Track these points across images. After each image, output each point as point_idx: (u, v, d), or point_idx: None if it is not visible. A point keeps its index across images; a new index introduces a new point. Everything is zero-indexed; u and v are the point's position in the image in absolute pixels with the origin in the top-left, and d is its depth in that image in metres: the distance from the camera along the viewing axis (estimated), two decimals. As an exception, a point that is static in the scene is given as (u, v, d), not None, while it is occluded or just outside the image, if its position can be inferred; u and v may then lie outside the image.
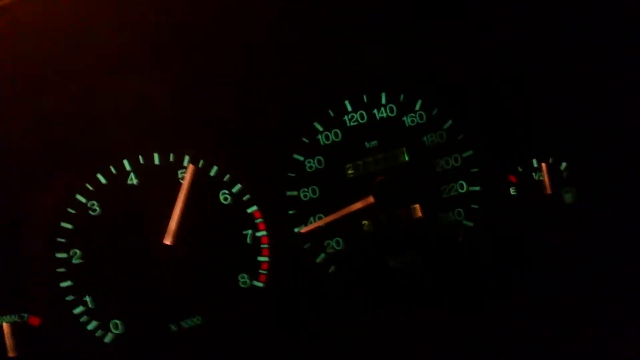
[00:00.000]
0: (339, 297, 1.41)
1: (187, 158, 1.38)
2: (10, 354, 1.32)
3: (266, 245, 1.40)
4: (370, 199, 1.38)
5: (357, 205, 1.38)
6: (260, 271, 1.40)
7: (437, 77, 1.43)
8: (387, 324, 1.36)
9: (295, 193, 1.42)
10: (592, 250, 1.34)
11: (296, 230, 1.41)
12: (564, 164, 1.44)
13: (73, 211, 1.34)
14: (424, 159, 1.43)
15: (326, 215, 1.40)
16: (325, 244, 1.42)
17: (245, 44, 1.27)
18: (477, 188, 1.44)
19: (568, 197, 1.44)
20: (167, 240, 1.33)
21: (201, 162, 1.38)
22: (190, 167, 1.35)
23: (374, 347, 1.32)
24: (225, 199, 1.39)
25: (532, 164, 1.44)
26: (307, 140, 1.42)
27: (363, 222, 1.42)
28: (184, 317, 1.37)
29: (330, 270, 1.42)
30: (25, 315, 1.34)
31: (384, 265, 1.42)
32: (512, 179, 1.44)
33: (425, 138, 1.43)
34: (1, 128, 1.25)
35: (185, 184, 1.34)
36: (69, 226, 1.34)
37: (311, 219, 1.41)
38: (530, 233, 1.42)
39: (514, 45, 1.37)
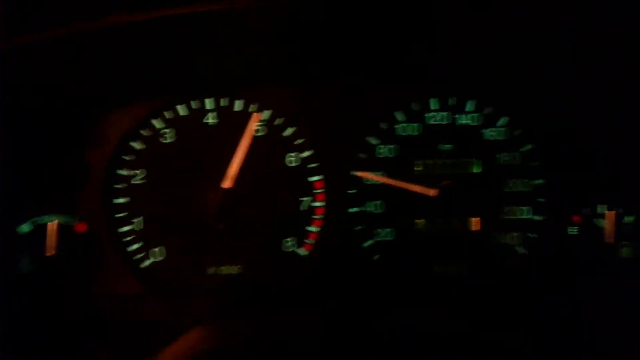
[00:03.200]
0: (375, 285, 1.41)
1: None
2: (48, 252, 1.35)
3: (318, 217, 1.41)
4: (432, 192, 1.38)
5: (418, 189, 1.38)
6: (306, 240, 1.41)
7: (528, 100, 1.42)
8: (414, 321, 1.35)
9: (359, 174, 1.42)
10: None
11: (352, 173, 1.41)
12: (631, 218, 1.41)
13: (147, 134, 1.37)
14: (495, 176, 1.42)
15: (385, 201, 1.41)
16: (377, 231, 1.42)
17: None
18: (539, 218, 1.42)
19: (625, 251, 1.42)
20: (225, 185, 1.34)
21: (280, 119, 1.40)
22: (255, 115, 1.37)
23: (394, 342, 1.31)
24: (293, 161, 1.40)
25: (599, 208, 1.42)
26: (384, 127, 1.43)
27: (418, 221, 1.42)
28: (224, 263, 1.39)
29: (374, 258, 1.42)
30: (75, 219, 1.37)
31: (428, 268, 1.42)
32: (576, 218, 1.42)
33: (500, 155, 1.42)
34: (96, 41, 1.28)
35: (249, 131, 1.36)
36: (139, 147, 1.37)
37: (368, 202, 1.42)
38: (579, 275, 1.40)
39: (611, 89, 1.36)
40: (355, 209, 1.42)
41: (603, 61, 1.33)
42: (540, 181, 1.42)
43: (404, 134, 1.43)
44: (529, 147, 1.43)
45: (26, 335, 1.27)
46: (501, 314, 1.38)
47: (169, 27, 1.28)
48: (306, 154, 1.41)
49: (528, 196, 1.42)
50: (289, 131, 1.41)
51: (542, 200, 1.42)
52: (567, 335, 1.32)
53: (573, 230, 1.42)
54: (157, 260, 1.38)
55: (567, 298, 1.37)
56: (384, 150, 1.42)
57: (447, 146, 1.42)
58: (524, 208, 1.42)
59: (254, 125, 1.37)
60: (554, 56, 1.36)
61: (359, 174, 1.41)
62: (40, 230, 1.35)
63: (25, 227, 1.35)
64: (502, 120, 1.43)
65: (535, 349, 1.28)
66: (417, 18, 1.32)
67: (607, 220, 1.41)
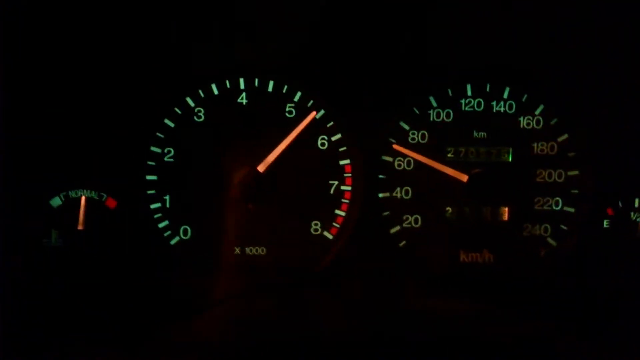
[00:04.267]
0: (400, 272, 1.40)
1: (298, 93, 1.38)
2: (79, 227, 1.36)
3: (347, 201, 1.40)
4: (464, 177, 1.36)
5: (450, 171, 1.36)
6: (334, 224, 1.40)
7: (566, 89, 1.38)
8: (439, 309, 1.35)
9: (390, 159, 1.40)
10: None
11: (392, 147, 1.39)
12: (666, 213, 1.38)
13: (179, 112, 1.36)
14: (527, 165, 1.39)
15: (414, 188, 1.40)
16: (404, 217, 1.41)
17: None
18: (571, 210, 1.40)
19: (659, 247, 1.39)
20: (261, 168, 1.34)
21: (311, 101, 1.38)
22: (312, 114, 1.36)
23: (418, 326, 1.31)
24: (323, 144, 1.39)
25: (634, 202, 1.39)
26: (417, 112, 1.40)
27: (447, 209, 1.40)
28: (250, 244, 1.39)
29: (400, 244, 1.41)
30: (105, 195, 1.38)
31: (455, 256, 1.41)
32: (610, 211, 1.39)
33: (535, 144, 1.39)
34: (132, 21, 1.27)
35: (301, 126, 1.35)
36: (171, 124, 1.36)
37: (398, 188, 1.40)
38: (612, 270, 1.38)
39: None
40: (383, 194, 1.41)
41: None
42: (574, 172, 1.39)
43: (438, 120, 1.40)
44: (565, 136, 1.39)
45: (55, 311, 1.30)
46: (526, 304, 1.37)
47: (207, 7, 1.27)
48: (336, 137, 1.39)
49: (561, 187, 1.39)
50: (320, 113, 1.39)
51: (576, 191, 1.39)
52: (595, 327, 1.31)
53: (606, 224, 1.40)
54: (184, 238, 1.39)
55: (596, 291, 1.36)
56: (416, 136, 1.40)
57: (482, 133, 1.40)
58: (557, 199, 1.40)
59: (307, 122, 1.36)
60: (592, 44, 1.32)
61: (395, 146, 1.39)
62: (70, 205, 1.36)
63: (55, 201, 1.36)
64: (539, 109, 1.39)
65: (561, 341, 1.28)
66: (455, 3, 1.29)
67: (641, 214, 1.38)
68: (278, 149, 1.34)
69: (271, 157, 1.34)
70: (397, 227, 1.41)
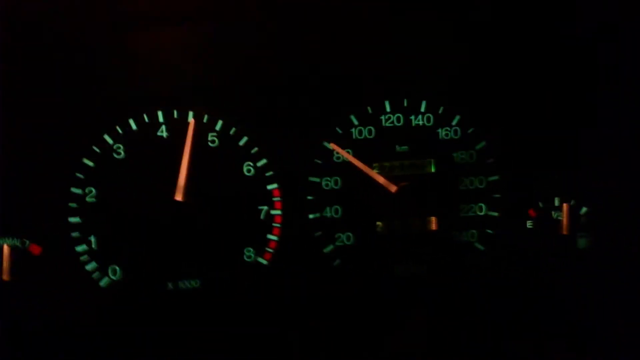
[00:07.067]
0: (338, 291, 1.41)
1: (220, 122, 1.38)
2: (4, 277, 1.31)
3: (278, 225, 1.40)
4: (393, 187, 1.38)
5: (380, 179, 1.39)
6: (267, 249, 1.40)
7: (480, 98, 1.43)
8: (379, 324, 1.37)
9: (317, 180, 1.42)
10: (598, 297, 1.34)
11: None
12: (584, 209, 1.44)
13: (98, 150, 1.34)
14: (450, 175, 1.43)
15: (343, 206, 1.41)
16: (336, 236, 1.42)
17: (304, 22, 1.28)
18: (495, 214, 1.44)
19: (582, 242, 1.45)
20: (178, 197, 1.32)
21: (233, 129, 1.39)
22: (192, 122, 1.35)
23: (361, 344, 1.32)
24: (249, 170, 1.39)
25: (553, 202, 1.44)
26: (340, 131, 1.42)
27: (377, 224, 1.42)
28: (183, 278, 1.37)
29: (335, 263, 1.42)
30: (28, 242, 1.34)
31: (390, 270, 1.43)
32: (532, 212, 1.44)
33: (455, 154, 1.43)
34: (42, 58, 1.26)
35: (188, 139, 1.34)
36: (90, 164, 1.34)
37: (327, 208, 1.42)
38: (538, 269, 1.42)
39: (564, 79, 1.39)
40: (313, 215, 1.42)
41: (546, 56, 1.36)
42: (495, 177, 1.44)
43: (360, 137, 1.43)
44: (482, 144, 1.44)
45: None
46: (463, 311, 1.40)
47: (123, 44, 1.27)
48: (261, 162, 1.39)
49: (484, 193, 1.44)
50: (243, 140, 1.39)
51: (498, 196, 1.44)
52: (528, 327, 1.35)
53: (529, 224, 1.45)
54: (114, 278, 1.36)
55: (527, 292, 1.40)
56: (341, 155, 1.42)
57: (404, 147, 1.43)
58: (481, 205, 1.44)
59: (191, 132, 1.34)
60: (499, 53, 1.39)
61: (332, 145, 1.40)
62: (-10, 256, 1.32)
63: (-24, 254, 1.31)
64: (456, 120, 1.44)
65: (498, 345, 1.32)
66: (364, 23, 1.33)
67: (562, 212, 1.43)
68: (182, 171, 1.33)
69: (181, 182, 1.33)
70: (331, 247, 1.42)
